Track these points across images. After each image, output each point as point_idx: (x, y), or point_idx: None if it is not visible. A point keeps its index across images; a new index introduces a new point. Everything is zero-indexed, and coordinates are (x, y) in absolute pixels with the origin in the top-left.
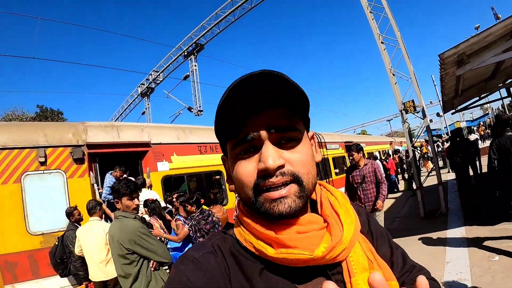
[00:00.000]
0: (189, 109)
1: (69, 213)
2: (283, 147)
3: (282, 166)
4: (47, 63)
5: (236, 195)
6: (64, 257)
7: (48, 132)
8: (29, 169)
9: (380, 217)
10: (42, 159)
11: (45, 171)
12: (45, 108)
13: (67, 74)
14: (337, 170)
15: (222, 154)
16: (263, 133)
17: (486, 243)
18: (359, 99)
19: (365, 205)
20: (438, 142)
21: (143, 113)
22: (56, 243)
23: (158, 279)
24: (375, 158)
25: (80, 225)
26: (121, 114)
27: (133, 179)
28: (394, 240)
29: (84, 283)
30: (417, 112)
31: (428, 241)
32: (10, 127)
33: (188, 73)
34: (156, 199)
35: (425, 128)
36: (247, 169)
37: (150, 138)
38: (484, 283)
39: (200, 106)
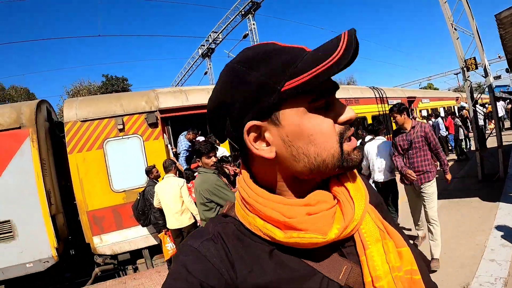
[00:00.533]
0: None
1: (148, 171)
2: None
3: None
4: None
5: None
6: (145, 209)
7: (124, 102)
8: (110, 136)
9: (431, 189)
10: (120, 126)
11: (123, 137)
12: (110, 77)
13: (129, 46)
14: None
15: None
16: (336, 89)
17: None
18: (424, 51)
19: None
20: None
21: (205, 73)
22: (138, 197)
23: None
24: (436, 116)
25: (158, 181)
26: (184, 75)
27: (203, 138)
28: (447, 200)
29: (163, 230)
30: (478, 70)
31: (480, 205)
32: (90, 101)
33: (247, 32)
34: (228, 156)
35: (487, 88)
36: (329, 121)
37: None
38: None
39: None
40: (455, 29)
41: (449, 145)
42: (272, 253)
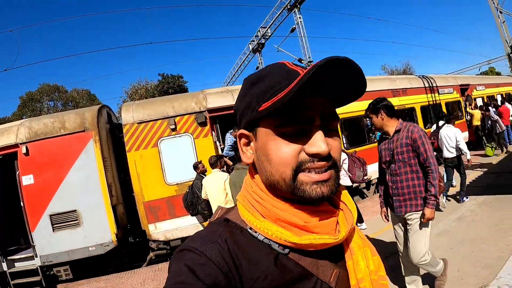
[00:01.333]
0: (300, 60)
1: (195, 166)
2: (327, 134)
3: (329, 154)
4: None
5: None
6: (193, 200)
7: (175, 104)
8: (163, 135)
9: (420, 223)
10: (173, 126)
11: (175, 135)
12: (166, 75)
13: (183, 47)
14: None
15: (235, 127)
16: (317, 118)
17: None
18: (483, 34)
19: (393, 200)
20: None
21: (257, 68)
22: (187, 190)
23: None
24: (488, 105)
25: (205, 175)
26: (237, 71)
27: None
28: (493, 196)
29: (208, 220)
30: None
31: None
32: (144, 104)
33: (294, 26)
34: None
35: None
36: (290, 149)
37: None
38: None
39: (309, 57)
40: (500, 11)
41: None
42: (277, 259)
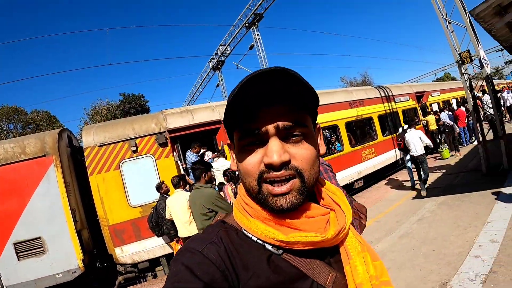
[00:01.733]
0: None
1: (158, 187)
2: (289, 141)
3: (288, 162)
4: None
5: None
6: (158, 221)
7: (136, 126)
8: (125, 157)
9: None
10: (134, 148)
11: (137, 157)
12: (127, 95)
13: (143, 67)
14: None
15: (228, 140)
16: (271, 128)
17: None
18: (436, 43)
19: None
20: None
21: (218, 85)
22: (152, 211)
23: None
24: (441, 110)
25: (168, 195)
26: (197, 88)
27: (210, 153)
28: (451, 196)
29: (175, 239)
30: (474, 62)
31: (479, 199)
32: (105, 127)
33: (252, 43)
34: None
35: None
36: (252, 160)
37: (220, 116)
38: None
39: None
40: (449, 22)
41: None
42: (270, 259)
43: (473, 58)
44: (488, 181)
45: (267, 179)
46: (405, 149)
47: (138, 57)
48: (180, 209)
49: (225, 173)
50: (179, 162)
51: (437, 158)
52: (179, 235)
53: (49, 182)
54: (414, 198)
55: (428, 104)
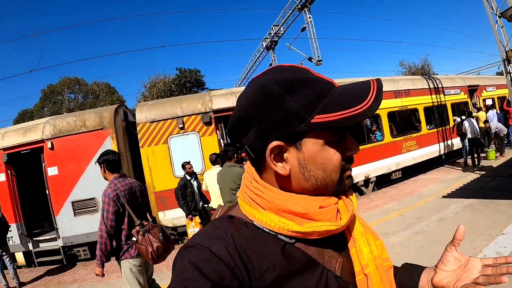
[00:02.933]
0: (310, 59)
1: (183, 166)
2: None
3: None
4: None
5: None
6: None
7: (184, 105)
8: (173, 133)
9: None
10: (181, 125)
11: (183, 134)
12: (184, 69)
13: (200, 47)
14: (456, 117)
15: (278, 140)
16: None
17: None
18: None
19: None
20: None
21: (270, 65)
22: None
23: None
24: (488, 108)
25: (191, 176)
26: (252, 67)
27: None
28: (479, 200)
29: (188, 216)
30: None
31: (504, 208)
32: (156, 105)
33: (304, 25)
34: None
35: None
36: (338, 155)
37: None
38: None
39: (319, 56)
40: (499, 17)
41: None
42: (284, 249)
43: None
44: None
45: (348, 168)
46: (463, 134)
47: (193, 38)
48: (214, 183)
49: None
50: (221, 140)
51: (482, 158)
52: (211, 205)
53: None
54: (444, 196)
55: (481, 99)
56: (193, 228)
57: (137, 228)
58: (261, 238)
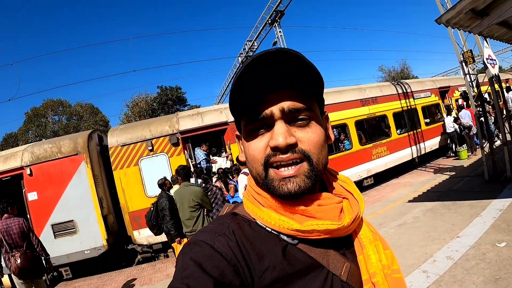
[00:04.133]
0: None
1: (162, 184)
2: (296, 125)
3: (294, 145)
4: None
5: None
6: (158, 220)
7: (152, 128)
8: (143, 155)
9: None
10: (150, 147)
11: (153, 155)
12: (165, 87)
13: (180, 68)
14: (427, 120)
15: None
16: (277, 112)
17: None
18: None
19: None
20: None
21: None
22: (151, 208)
23: (207, 221)
24: (461, 107)
25: (169, 192)
26: (228, 84)
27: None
28: (442, 203)
29: (176, 240)
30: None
31: (465, 210)
32: (126, 129)
33: (275, 40)
34: (224, 168)
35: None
36: (259, 145)
37: (227, 118)
38: (463, 268)
39: None
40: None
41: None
42: (286, 250)
43: (475, 58)
44: (486, 190)
45: (274, 163)
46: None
47: (163, 61)
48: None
49: (216, 172)
50: (189, 159)
51: (454, 158)
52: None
53: (80, 175)
54: (410, 201)
55: (453, 99)
56: None
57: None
58: (262, 237)
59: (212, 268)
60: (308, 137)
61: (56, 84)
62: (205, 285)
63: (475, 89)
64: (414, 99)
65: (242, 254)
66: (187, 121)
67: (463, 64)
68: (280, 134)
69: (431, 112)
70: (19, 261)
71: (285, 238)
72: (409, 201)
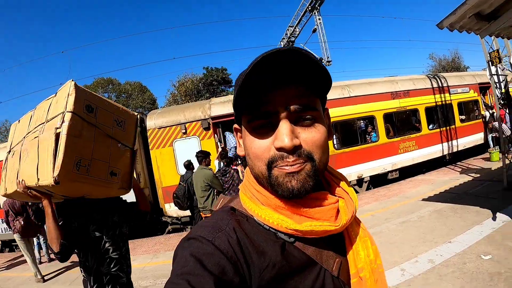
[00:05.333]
0: (320, 59)
1: (188, 165)
2: (300, 125)
3: (299, 146)
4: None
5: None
6: (186, 194)
7: (186, 113)
8: (177, 137)
9: None
10: (184, 131)
11: (186, 138)
12: (211, 68)
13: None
14: (463, 117)
15: (235, 123)
16: (282, 111)
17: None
18: None
19: None
20: None
21: None
22: (182, 183)
23: (216, 199)
24: (491, 107)
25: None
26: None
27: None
28: (451, 205)
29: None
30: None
31: (470, 216)
32: (163, 113)
33: (315, 27)
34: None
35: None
36: (263, 144)
37: None
38: (438, 273)
39: (328, 57)
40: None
41: None
42: (283, 248)
43: (502, 58)
44: (500, 197)
45: (278, 165)
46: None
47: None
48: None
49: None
50: (218, 142)
51: (486, 159)
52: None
53: None
54: (424, 199)
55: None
56: None
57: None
58: (261, 235)
59: (213, 265)
60: (312, 137)
61: (107, 69)
62: (206, 282)
63: (503, 90)
64: (450, 94)
65: (242, 251)
66: (219, 107)
67: (489, 63)
68: (286, 134)
69: (468, 108)
70: (22, 223)
71: (282, 236)
72: (423, 199)
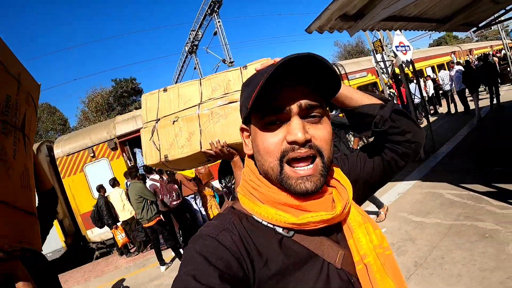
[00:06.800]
0: (223, 61)
1: (98, 189)
2: (309, 122)
3: (309, 141)
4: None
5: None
6: (100, 215)
7: (92, 136)
8: (86, 161)
9: None
10: (92, 154)
11: (95, 161)
12: (119, 80)
13: (134, 47)
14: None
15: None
16: (294, 107)
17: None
18: None
19: None
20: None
21: (195, 68)
22: (94, 209)
23: (151, 209)
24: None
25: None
26: (180, 71)
27: None
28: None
29: (113, 227)
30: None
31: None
32: (69, 140)
33: (215, 30)
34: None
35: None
36: (275, 139)
37: None
38: None
39: (230, 58)
40: None
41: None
42: (282, 242)
43: (384, 47)
44: (407, 168)
45: (291, 157)
46: None
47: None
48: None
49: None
50: (128, 161)
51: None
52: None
53: None
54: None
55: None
56: (120, 234)
57: None
58: (260, 232)
59: (217, 260)
60: (320, 133)
61: None
62: (211, 276)
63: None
64: (348, 80)
65: (245, 247)
66: (123, 125)
67: (374, 52)
68: (299, 129)
69: (368, 91)
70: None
71: (280, 231)
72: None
